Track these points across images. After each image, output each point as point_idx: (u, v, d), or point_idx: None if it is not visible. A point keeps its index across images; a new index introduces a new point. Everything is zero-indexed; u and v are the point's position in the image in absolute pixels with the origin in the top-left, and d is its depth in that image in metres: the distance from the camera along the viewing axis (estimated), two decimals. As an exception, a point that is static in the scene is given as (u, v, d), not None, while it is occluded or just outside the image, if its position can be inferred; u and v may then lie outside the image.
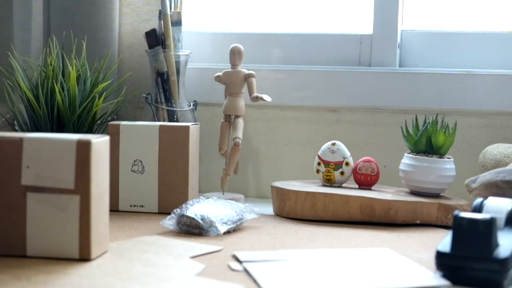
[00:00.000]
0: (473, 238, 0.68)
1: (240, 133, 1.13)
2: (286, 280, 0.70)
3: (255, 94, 1.13)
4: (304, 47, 1.31)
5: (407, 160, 1.04)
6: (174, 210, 0.91)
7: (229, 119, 1.16)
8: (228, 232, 0.90)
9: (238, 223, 0.92)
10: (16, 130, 1.20)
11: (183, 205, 0.93)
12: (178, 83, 1.19)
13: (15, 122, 1.19)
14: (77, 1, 1.25)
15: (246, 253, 0.80)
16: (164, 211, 1.03)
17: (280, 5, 1.36)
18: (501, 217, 0.74)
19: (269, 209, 1.07)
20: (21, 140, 0.76)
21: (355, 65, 1.28)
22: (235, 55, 1.15)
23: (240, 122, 1.15)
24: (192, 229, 0.89)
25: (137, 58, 1.26)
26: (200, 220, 0.89)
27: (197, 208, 0.91)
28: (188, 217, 0.89)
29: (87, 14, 1.24)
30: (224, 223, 0.90)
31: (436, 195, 1.03)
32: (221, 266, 0.75)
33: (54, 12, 1.26)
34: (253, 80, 1.14)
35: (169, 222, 0.91)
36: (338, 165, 1.06)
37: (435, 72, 1.21)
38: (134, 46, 1.26)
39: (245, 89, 1.15)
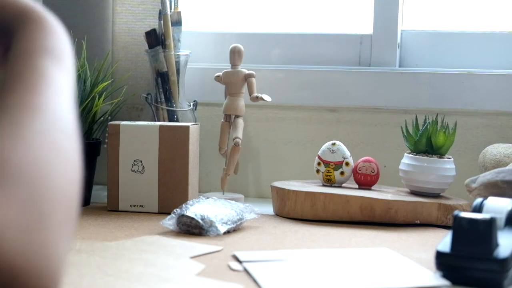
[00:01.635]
0: (473, 238, 0.68)
1: (240, 133, 1.13)
2: (286, 280, 0.70)
3: (255, 94, 1.13)
4: (304, 47, 1.30)
5: (407, 160, 1.04)
6: (174, 210, 0.91)
7: (229, 119, 1.16)
8: (228, 232, 0.90)
9: (238, 223, 0.92)
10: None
11: (183, 205, 0.92)
12: (178, 83, 1.19)
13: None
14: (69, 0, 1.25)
15: (246, 253, 0.80)
16: (164, 211, 1.03)
17: (280, 5, 1.36)
18: (501, 217, 0.74)
19: (269, 209, 1.07)
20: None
21: (355, 65, 1.28)
22: (235, 55, 1.15)
23: (240, 122, 1.15)
24: (192, 229, 0.89)
25: (132, 57, 1.26)
26: (200, 220, 0.88)
27: (197, 208, 0.91)
28: (188, 217, 0.89)
29: (79, 13, 1.24)
30: (224, 223, 0.90)
31: (436, 195, 1.03)
32: (221, 266, 0.75)
33: None
34: (253, 80, 1.14)
35: (169, 222, 0.91)
36: (338, 165, 1.06)
37: (435, 72, 1.21)
38: (129, 45, 1.26)
39: (245, 89, 1.15)
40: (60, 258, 0.37)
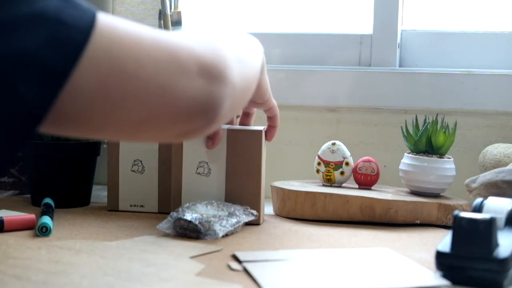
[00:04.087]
0: (473, 238, 0.68)
1: (240, 133, 1.13)
2: (286, 280, 0.70)
3: (255, 94, 1.13)
4: (304, 47, 1.31)
5: (407, 160, 1.04)
6: (171, 213, 0.89)
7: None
8: (226, 236, 0.89)
9: (236, 225, 0.90)
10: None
11: (180, 208, 0.91)
12: (178, 83, 1.19)
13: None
14: None
15: (246, 253, 0.80)
16: (164, 211, 1.03)
17: (280, 5, 1.36)
18: (501, 217, 0.74)
19: (269, 209, 1.07)
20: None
21: (355, 65, 1.28)
22: (235, 55, 1.15)
23: (240, 122, 1.15)
24: (190, 232, 0.87)
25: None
26: (197, 224, 0.86)
27: (194, 211, 0.90)
28: (185, 220, 0.87)
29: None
30: (222, 226, 0.88)
31: (436, 195, 1.03)
32: (221, 266, 0.75)
33: None
34: (253, 80, 1.14)
35: (166, 225, 0.88)
36: (338, 165, 1.06)
37: (435, 72, 1.21)
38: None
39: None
40: (227, 62, 0.61)
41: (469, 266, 0.68)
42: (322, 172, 1.07)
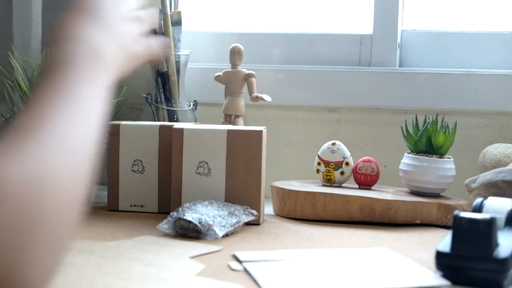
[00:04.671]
0: (473, 238, 0.68)
1: (240, 133, 1.13)
2: (286, 280, 0.70)
3: (255, 94, 1.13)
4: (304, 47, 1.31)
5: (407, 160, 1.04)
6: (171, 213, 0.89)
7: (229, 119, 1.16)
8: (226, 236, 0.89)
9: (236, 225, 0.90)
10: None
11: (180, 208, 0.91)
12: (178, 83, 1.19)
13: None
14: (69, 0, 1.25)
15: (246, 253, 0.80)
16: (164, 211, 1.03)
17: (280, 5, 1.36)
18: (501, 217, 0.74)
19: (269, 209, 1.07)
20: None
21: (355, 65, 1.28)
22: (235, 55, 1.15)
23: (240, 122, 1.15)
24: (190, 232, 0.87)
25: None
26: (198, 224, 0.86)
27: (195, 211, 0.90)
28: (185, 220, 0.87)
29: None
30: (222, 226, 0.88)
31: (436, 195, 1.03)
32: (221, 266, 0.75)
33: (45, 11, 1.26)
34: (253, 80, 1.14)
35: (166, 225, 0.88)
36: (338, 165, 1.06)
37: (435, 72, 1.21)
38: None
39: (245, 89, 1.15)
40: (43, 278, 0.37)
41: (469, 266, 0.68)
42: (322, 172, 1.07)
